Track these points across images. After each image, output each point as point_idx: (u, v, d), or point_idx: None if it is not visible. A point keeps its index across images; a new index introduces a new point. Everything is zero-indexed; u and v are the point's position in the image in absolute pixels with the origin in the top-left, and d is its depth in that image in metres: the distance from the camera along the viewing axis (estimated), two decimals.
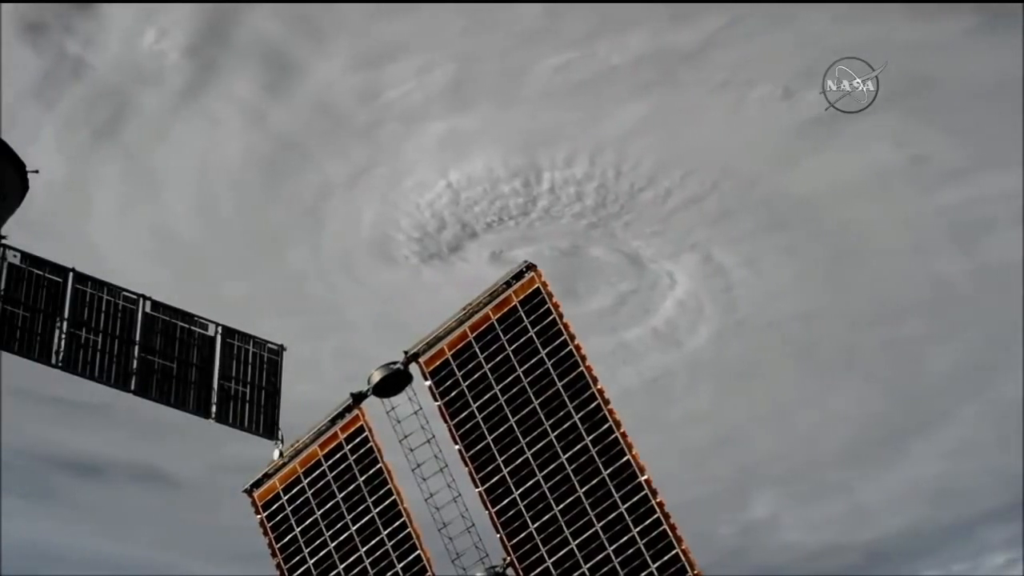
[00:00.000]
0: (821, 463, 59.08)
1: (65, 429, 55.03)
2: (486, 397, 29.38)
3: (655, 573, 27.24)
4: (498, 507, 28.62)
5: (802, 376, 59.28)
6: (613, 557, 27.61)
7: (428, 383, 29.93)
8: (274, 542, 30.13)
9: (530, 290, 29.89)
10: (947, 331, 57.92)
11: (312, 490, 30.07)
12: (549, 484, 28.47)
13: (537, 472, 28.63)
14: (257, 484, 30.68)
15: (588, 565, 27.73)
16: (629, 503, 27.87)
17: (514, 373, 29.36)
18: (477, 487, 28.89)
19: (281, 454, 30.57)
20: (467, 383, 29.58)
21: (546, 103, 57.26)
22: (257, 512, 30.54)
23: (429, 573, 28.75)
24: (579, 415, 28.69)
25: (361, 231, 58.57)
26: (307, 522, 29.92)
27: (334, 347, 55.12)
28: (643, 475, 27.94)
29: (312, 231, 58.99)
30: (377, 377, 30.21)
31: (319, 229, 59.13)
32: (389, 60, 56.48)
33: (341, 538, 29.51)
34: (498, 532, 28.55)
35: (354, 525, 29.47)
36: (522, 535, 28.34)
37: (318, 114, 57.45)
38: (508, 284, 30.11)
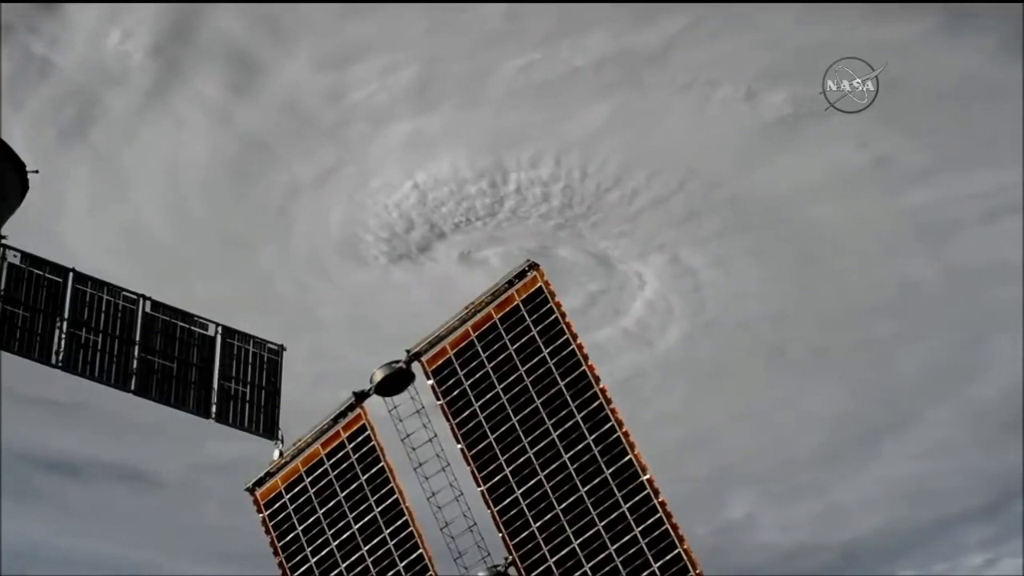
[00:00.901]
0: (796, 463, 59.51)
1: (42, 428, 54.49)
2: (488, 396, 29.48)
3: (657, 572, 27.42)
4: (500, 506, 28.72)
5: (774, 377, 59.56)
6: (615, 556, 27.77)
7: (430, 382, 29.99)
8: (276, 541, 30.10)
9: (532, 289, 30.03)
10: (916, 332, 58.30)
11: (314, 489, 30.10)
12: (551, 483, 28.59)
13: (539, 471, 28.74)
14: (259, 483, 30.65)
15: (590, 564, 27.87)
16: (631, 502, 28.04)
17: (516, 372, 29.47)
18: (479, 486, 28.98)
19: (281, 454, 30.53)
20: (469, 382, 29.66)
21: (510, 104, 57.58)
22: (259, 511, 30.51)
23: (431, 572, 28.79)
24: (581, 414, 28.83)
25: (330, 231, 58.75)
26: (309, 521, 29.94)
27: (307, 347, 55.03)
28: (645, 474, 28.10)
29: (281, 231, 59.01)
30: (379, 376, 30.28)
31: (288, 229, 59.19)
32: (353, 61, 56.59)
33: (343, 537, 29.53)
34: (500, 531, 28.66)
35: (356, 524, 29.50)
36: (524, 534, 28.46)
37: (284, 114, 57.58)
38: (510, 283, 30.22)
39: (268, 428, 30.15)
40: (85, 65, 54.49)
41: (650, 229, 57.22)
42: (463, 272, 57.32)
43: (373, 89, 56.14)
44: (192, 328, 29.79)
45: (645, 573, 27.52)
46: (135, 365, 28.73)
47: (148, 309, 29.36)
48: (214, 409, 29.53)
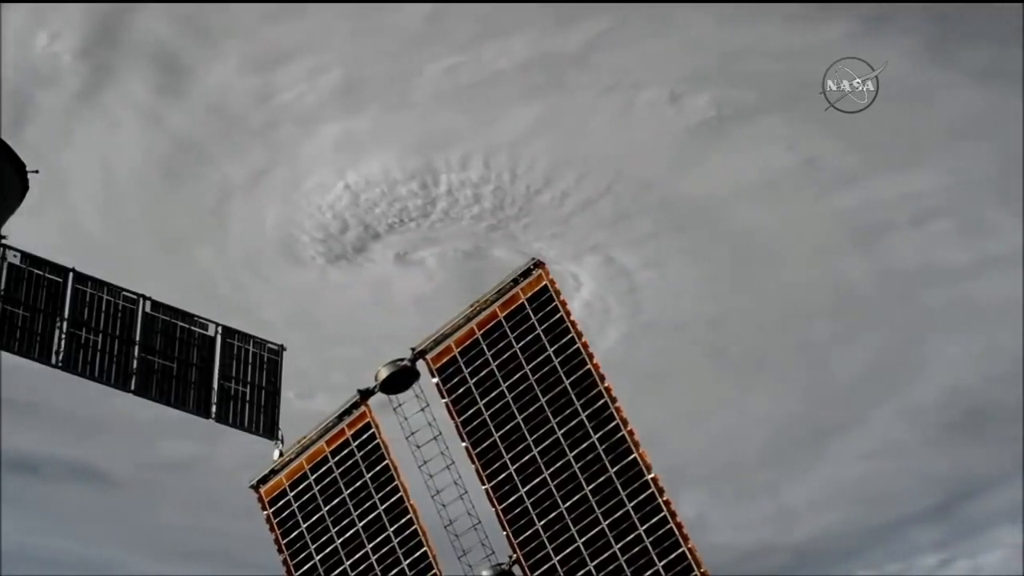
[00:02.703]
0: (744, 465, 59.68)
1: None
2: (493, 394, 29.31)
3: (661, 572, 27.35)
4: (504, 504, 28.64)
5: (716, 378, 59.69)
6: (619, 555, 27.69)
7: (435, 380, 29.84)
8: (280, 538, 30.04)
9: (537, 288, 29.76)
10: (854, 333, 58.87)
11: (319, 486, 30.00)
12: (556, 482, 28.47)
13: (544, 470, 28.63)
14: (264, 480, 30.57)
15: (594, 563, 27.82)
16: (635, 501, 27.92)
17: (521, 371, 29.27)
18: (484, 484, 28.88)
19: (281, 454, 30.51)
20: (474, 380, 29.48)
21: (436, 106, 58.01)
22: (264, 508, 30.44)
23: (435, 570, 28.77)
24: (586, 413, 28.67)
25: (266, 232, 59.02)
26: (313, 518, 29.87)
27: None
28: (650, 473, 27.99)
29: (217, 232, 59.27)
30: (384, 374, 30.08)
31: (224, 230, 59.37)
32: (280, 63, 56.83)
33: (347, 534, 29.48)
34: (504, 529, 28.59)
35: (360, 521, 29.45)
36: (528, 532, 28.39)
37: (214, 116, 57.72)
38: (515, 281, 29.98)
39: (268, 428, 30.23)
40: (16, 66, 54.16)
41: (582, 230, 57.89)
42: (400, 273, 58.31)
43: (301, 91, 56.79)
44: (192, 328, 29.75)
45: (649, 572, 27.43)
46: (135, 365, 28.76)
47: (148, 309, 29.35)
48: (214, 409, 29.51)
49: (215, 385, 29.79)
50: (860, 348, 58.68)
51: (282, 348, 31.33)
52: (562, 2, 55.18)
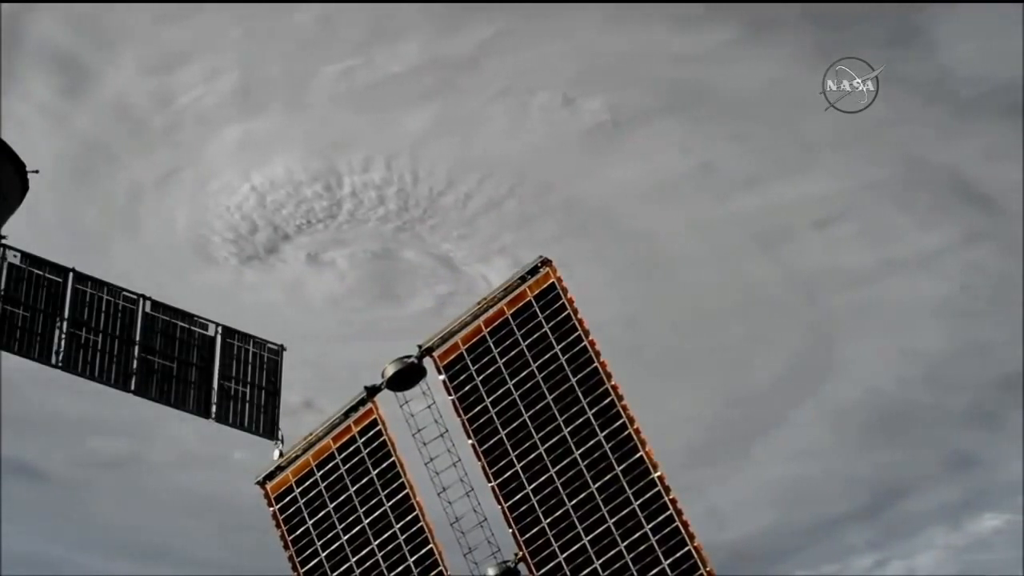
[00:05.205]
0: (668, 466, 58.46)
1: None
2: (500, 392, 29.12)
3: (667, 570, 27.34)
4: (511, 502, 28.57)
5: (633, 379, 58.43)
6: (625, 553, 27.67)
7: (442, 377, 29.64)
8: (286, 534, 29.98)
9: (545, 285, 29.49)
10: (768, 335, 59.29)
11: (325, 483, 29.88)
12: (562, 480, 28.38)
13: (550, 467, 28.52)
14: (270, 476, 30.45)
15: (600, 561, 27.80)
16: (642, 499, 27.85)
17: (528, 368, 29.06)
18: (490, 482, 28.79)
19: (281, 454, 30.39)
20: (481, 378, 29.29)
21: (334, 108, 58.38)
22: (270, 504, 30.36)
23: (441, 567, 28.74)
24: (593, 411, 28.53)
25: (177, 233, 59.21)
26: (320, 515, 29.77)
27: None
28: (656, 472, 27.89)
29: (130, 232, 59.11)
30: (391, 371, 29.90)
31: (136, 230, 59.26)
32: (177, 66, 56.90)
33: (354, 531, 29.42)
34: (511, 527, 28.54)
35: (367, 518, 29.37)
36: (535, 530, 28.33)
37: (118, 118, 57.63)
38: (523, 279, 29.68)
39: (268, 428, 30.12)
40: None
41: (488, 232, 58.20)
42: (312, 273, 58.73)
43: (199, 93, 56.92)
44: (192, 328, 29.59)
45: (655, 570, 27.42)
46: (135, 365, 28.59)
47: (148, 309, 29.16)
48: (214, 409, 29.39)
49: (215, 385, 29.64)
50: (775, 350, 59.51)
51: (282, 348, 31.16)
52: (450, 1, 55.59)
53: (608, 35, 56.71)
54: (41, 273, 27.91)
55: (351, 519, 29.49)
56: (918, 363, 58.09)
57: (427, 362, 29.94)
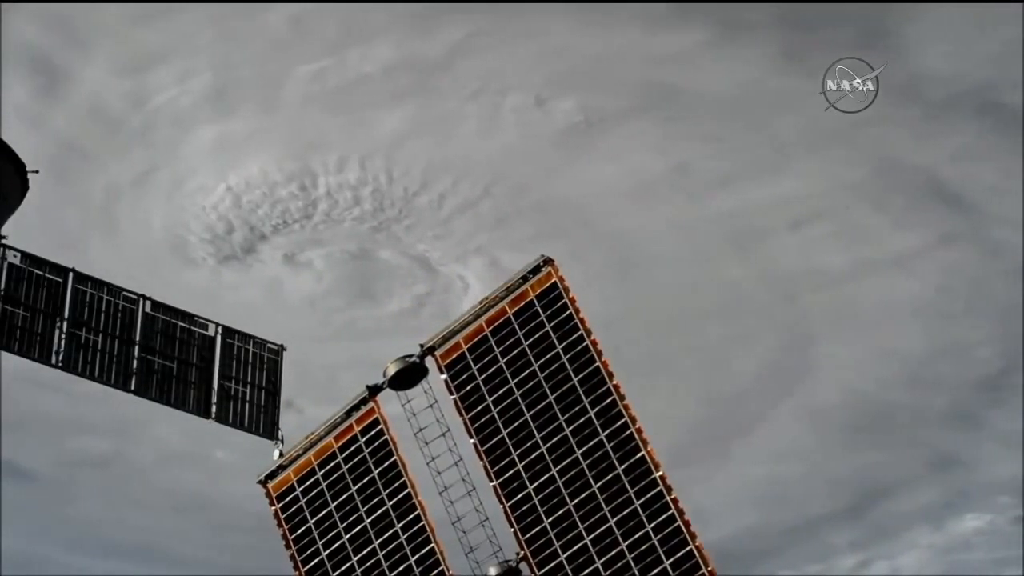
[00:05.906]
0: None
1: None
2: (502, 391, 29.13)
3: (668, 569, 27.43)
4: (512, 501, 28.60)
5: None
6: (627, 553, 27.74)
7: (444, 376, 29.62)
8: (288, 533, 29.94)
9: (547, 284, 29.55)
10: (745, 335, 59.58)
11: (327, 482, 29.85)
12: (564, 479, 28.43)
13: (552, 467, 28.56)
14: (272, 475, 30.39)
15: (602, 560, 27.87)
16: (644, 499, 27.93)
17: (530, 367, 29.09)
18: (492, 481, 28.82)
19: (281, 454, 30.34)
20: (483, 377, 29.29)
21: (308, 109, 58.57)
22: (272, 503, 30.30)
23: (442, 566, 28.74)
24: (595, 410, 28.58)
25: (155, 233, 59.22)
26: (321, 514, 29.76)
27: None
28: (658, 471, 27.95)
29: (108, 232, 59.19)
30: (393, 370, 29.89)
31: (115, 230, 59.34)
32: (150, 66, 57.01)
33: (355, 530, 29.42)
34: (512, 526, 28.57)
35: (368, 517, 29.37)
36: (536, 529, 28.38)
37: (94, 119, 57.62)
38: (525, 278, 29.71)
39: (268, 428, 30.05)
40: None
41: (464, 232, 58.51)
42: (290, 273, 58.86)
43: (174, 94, 56.97)
44: (192, 328, 29.52)
45: (656, 570, 27.50)
46: (135, 365, 28.52)
47: (148, 309, 29.08)
48: (214, 409, 29.31)
49: (215, 385, 29.57)
50: (753, 350, 59.81)
51: (282, 348, 31.10)
52: (422, 1, 55.69)
53: (581, 36, 57.19)
54: (41, 273, 27.77)
55: (353, 518, 29.48)
56: (897, 364, 58.60)
57: (429, 361, 29.93)
